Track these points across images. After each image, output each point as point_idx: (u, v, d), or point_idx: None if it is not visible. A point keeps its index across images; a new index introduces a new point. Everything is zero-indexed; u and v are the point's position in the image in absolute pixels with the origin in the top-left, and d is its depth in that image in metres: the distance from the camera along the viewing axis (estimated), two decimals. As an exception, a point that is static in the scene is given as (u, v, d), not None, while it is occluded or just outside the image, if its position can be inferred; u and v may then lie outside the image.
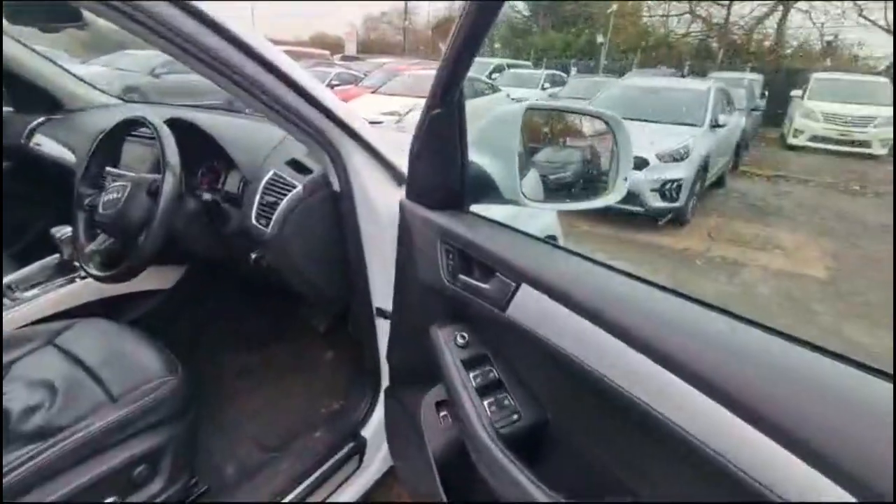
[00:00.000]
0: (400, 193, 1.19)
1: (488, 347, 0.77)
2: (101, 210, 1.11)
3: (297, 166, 1.18)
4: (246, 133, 1.29)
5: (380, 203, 1.13)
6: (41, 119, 1.83)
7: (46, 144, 1.71)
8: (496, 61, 14.06)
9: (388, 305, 1.23)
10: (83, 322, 1.19)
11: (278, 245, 1.10)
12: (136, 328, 1.20)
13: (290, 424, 1.40)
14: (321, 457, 1.26)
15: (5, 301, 1.30)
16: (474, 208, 0.91)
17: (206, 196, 1.12)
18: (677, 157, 4.60)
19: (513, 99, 9.91)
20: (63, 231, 1.36)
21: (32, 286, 1.35)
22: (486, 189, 0.88)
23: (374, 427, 1.31)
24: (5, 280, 1.36)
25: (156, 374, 1.05)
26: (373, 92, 8.77)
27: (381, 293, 1.21)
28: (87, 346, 1.11)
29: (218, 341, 1.69)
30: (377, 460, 1.34)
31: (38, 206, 1.97)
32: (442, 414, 0.94)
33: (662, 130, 4.90)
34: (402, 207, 0.95)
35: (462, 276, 0.77)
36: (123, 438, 0.97)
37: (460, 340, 0.78)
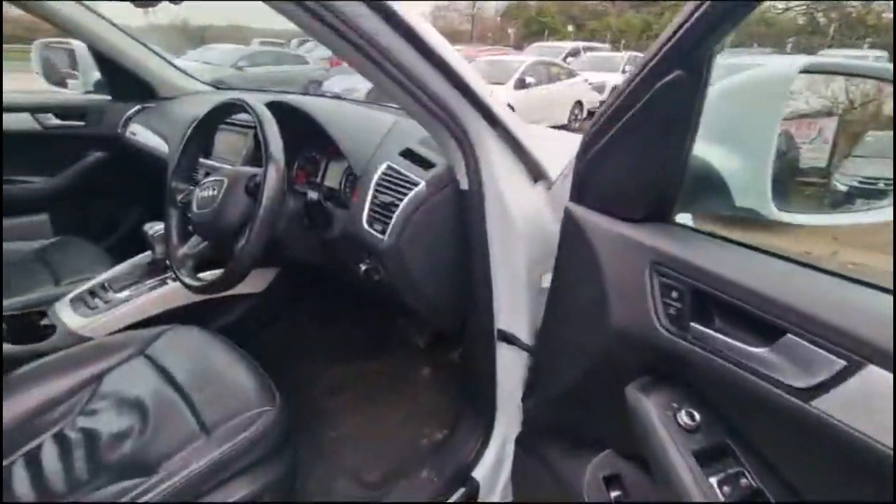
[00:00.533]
0: (535, 192, 0.95)
1: (737, 439, 0.51)
2: (195, 209, 0.96)
3: (415, 158, 0.97)
4: (353, 117, 1.11)
5: (514, 204, 0.91)
6: (136, 108, 1.77)
7: (141, 134, 1.63)
8: (569, 44, 13.35)
9: (513, 328, 1.01)
10: (174, 330, 1.06)
11: (396, 256, 0.90)
12: (228, 339, 1.06)
13: (391, 456, 1.22)
14: (429, 501, 1.07)
15: (99, 302, 1.21)
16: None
17: (311, 195, 0.94)
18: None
19: (590, 84, 9.31)
20: (155, 228, 1.25)
21: (124, 287, 1.25)
22: (705, 192, 0.61)
23: (487, 470, 1.10)
24: (100, 278, 1.29)
25: (252, 403, 0.90)
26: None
27: (506, 313, 0.99)
28: (179, 360, 0.99)
29: (309, 351, 1.55)
30: None
31: (131, 198, 1.93)
32: (615, 494, 0.70)
33: None
34: (569, 215, 0.70)
35: (698, 327, 0.51)
36: (216, 485, 0.82)
37: (686, 420, 0.53)
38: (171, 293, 1.24)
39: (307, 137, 1.21)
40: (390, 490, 1.09)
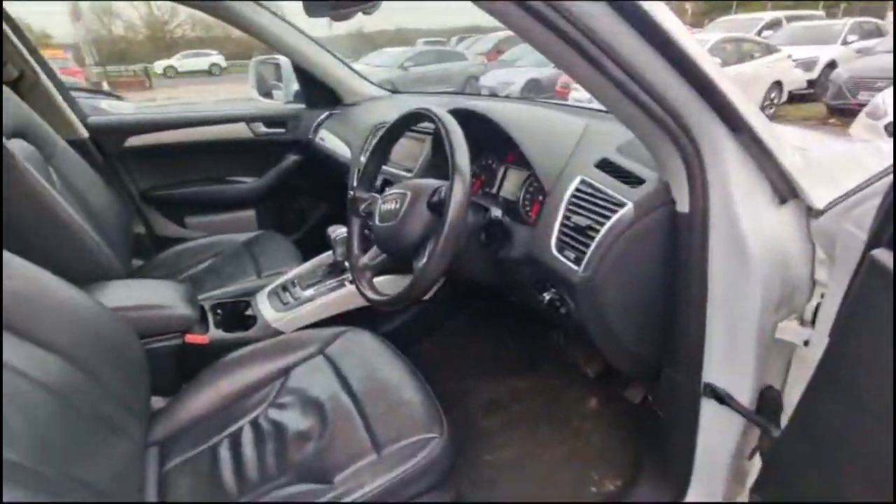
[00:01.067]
0: (781, 217, 0.71)
1: None
2: (377, 221, 0.95)
3: (616, 171, 0.81)
4: (540, 123, 0.99)
5: (751, 233, 0.70)
6: (325, 114, 1.92)
7: (328, 139, 1.76)
8: (768, 15, 11.25)
9: (728, 385, 0.79)
10: (350, 333, 1.10)
11: (591, 292, 0.76)
12: (397, 349, 1.05)
13: (555, 497, 1.10)
14: None
15: (289, 297, 1.32)
16: None
17: (495, 212, 0.85)
18: None
19: (795, 60, 7.71)
20: (338, 232, 1.31)
21: (309, 285, 1.34)
22: None
23: None
24: (291, 274, 1.40)
25: (421, 426, 0.86)
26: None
27: (719, 365, 0.79)
28: (354, 365, 1.01)
29: (466, 363, 1.50)
30: None
31: (317, 198, 2.12)
32: None
33: None
34: (875, 266, 0.48)
35: None
36: None
37: None
38: (348, 296, 1.29)
39: (486, 144, 1.13)
40: None
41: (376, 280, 1.03)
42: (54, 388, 0.75)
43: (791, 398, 0.80)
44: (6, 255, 0.77)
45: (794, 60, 7.68)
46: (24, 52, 1.48)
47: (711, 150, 0.67)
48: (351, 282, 1.33)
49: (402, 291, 0.83)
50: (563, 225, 0.79)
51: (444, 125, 0.84)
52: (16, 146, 1.15)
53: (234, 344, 1.18)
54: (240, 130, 1.88)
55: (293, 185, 2.03)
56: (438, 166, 1.20)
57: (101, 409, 0.82)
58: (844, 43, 8.13)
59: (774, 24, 10.15)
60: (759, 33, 9.34)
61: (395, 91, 2.02)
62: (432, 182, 0.90)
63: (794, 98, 7.80)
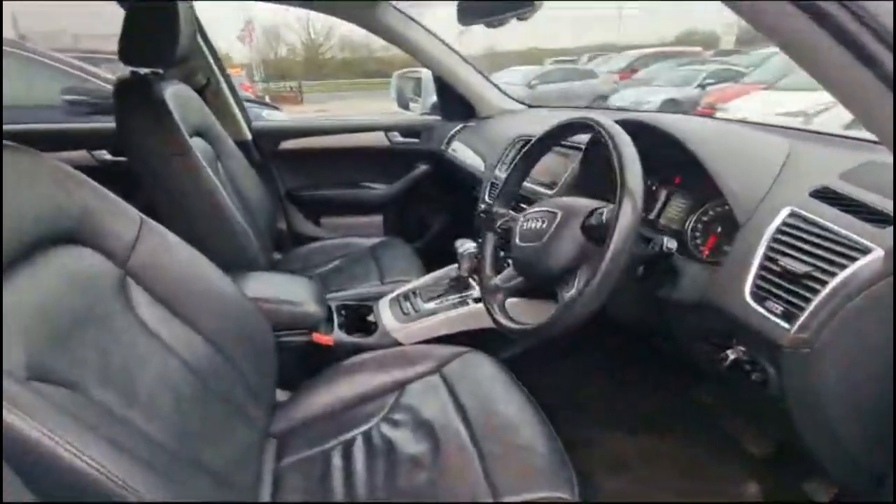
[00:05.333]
0: None
1: None
2: (517, 240, 0.86)
3: (843, 204, 0.62)
4: (728, 138, 0.82)
5: None
6: (459, 126, 1.91)
7: (460, 151, 1.73)
8: None
9: None
10: (470, 355, 1.03)
11: (803, 359, 0.58)
12: (519, 382, 0.95)
13: None
14: None
15: (410, 308, 1.29)
16: None
17: (669, 243, 0.71)
18: None
19: None
20: (466, 247, 1.25)
21: (431, 298, 1.30)
22: None
23: None
24: (413, 284, 1.38)
25: (547, 480, 0.74)
26: (766, 88, 7.03)
27: None
28: (472, 391, 0.93)
29: (589, 407, 1.33)
30: None
31: (441, 207, 2.12)
32: None
33: None
34: None
35: None
36: None
37: None
38: (470, 314, 1.22)
39: (646, 162, 0.99)
40: None
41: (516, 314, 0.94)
42: (197, 368, 0.77)
43: None
44: (172, 236, 0.84)
45: None
46: (213, 64, 1.69)
47: None
48: (476, 300, 1.27)
49: (544, 323, 0.73)
50: (763, 268, 0.63)
51: (611, 137, 0.72)
52: (196, 144, 1.28)
53: (354, 347, 1.18)
54: (377, 139, 1.95)
55: (421, 194, 2.05)
56: (585, 186, 1.08)
57: (233, 394, 0.84)
58: None
59: None
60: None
61: (531, 105, 1.94)
62: (587, 202, 0.79)
63: None
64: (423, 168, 1.99)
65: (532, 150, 0.96)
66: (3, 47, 2.92)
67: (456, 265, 1.42)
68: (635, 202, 0.66)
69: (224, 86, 1.73)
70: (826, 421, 0.62)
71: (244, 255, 1.26)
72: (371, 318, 1.29)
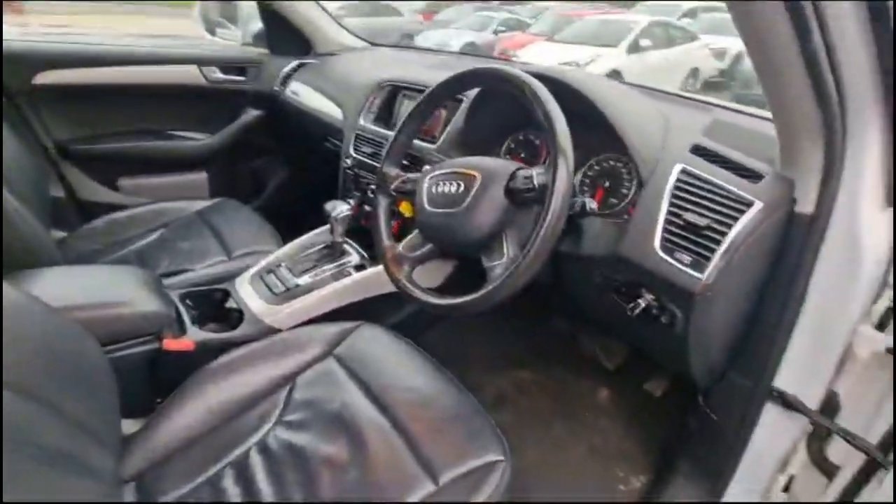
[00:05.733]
0: (882, 221, 0.68)
1: None
2: (426, 206, 0.79)
3: (720, 160, 0.73)
4: (625, 97, 0.87)
5: (866, 235, 0.65)
6: (294, 63, 1.64)
7: (305, 94, 1.49)
8: (686, 4, 11.91)
9: (798, 391, 0.77)
10: (362, 330, 0.93)
11: (708, 301, 0.68)
12: (423, 350, 0.91)
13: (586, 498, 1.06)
14: None
15: (277, 283, 1.11)
16: None
17: (590, 205, 0.73)
18: None
19: (711, 49, 8.25)
20: (339, 210, 1.11)
21: (304, 271, 1.14)
22: None
23: None
24: (274, 256, 1.18)
25: (480, 447, 0.74)
26: (547, 40, 7.95)
27: (794, 370, 0.76)
28: (376, 369, 0.86)
29: (469, 356, 1.39)
30: None
31: (279, 160, 1.84)
32: None
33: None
34: None
35: None
36: None
37: None
38: (353, 285, 1.11)
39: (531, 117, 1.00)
40: None
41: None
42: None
43: (853, 401, 0.79)
44: None
45: (709, 49, 8.23)
46: None
47: (860, 144, 0.61)
48: (357, 268, 1.16)
49: (480, 296, 0.69)
50: (668, 222, 0.70)
51: (537, 95, 0.69)
52: None
53: (220, 345, 0.97)
54: (188, 75, 1.54)
55: (253, 145, 1.73)
56: (469, 140, 1.05)
57: (59, 444, 0.60)
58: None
59: (690, 13, 10.76)
60: (679, 19, 9.84)
61: (374, 43, 1.77)
62: (504, 163, 0.75)
63: (707, 86, 8.40)
64: (254, 113, 1.66)
65: (428, 104, 0.86)
66: None
67: (323, 230, 1.26)
68: (569, 164, 0.65)
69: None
70: (710, 343, 0.75)
71: (24, 247, 0.88)
72: (231, 304, 1.07)
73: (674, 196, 0.71)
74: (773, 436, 0.85)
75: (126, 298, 0.86)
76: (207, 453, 0.75)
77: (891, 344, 0.72)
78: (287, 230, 1.37)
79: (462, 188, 0.74)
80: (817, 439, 0.81)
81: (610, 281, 0.80)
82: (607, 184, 0.88)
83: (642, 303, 0.74)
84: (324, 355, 0.90)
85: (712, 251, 0.65)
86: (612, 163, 0.87)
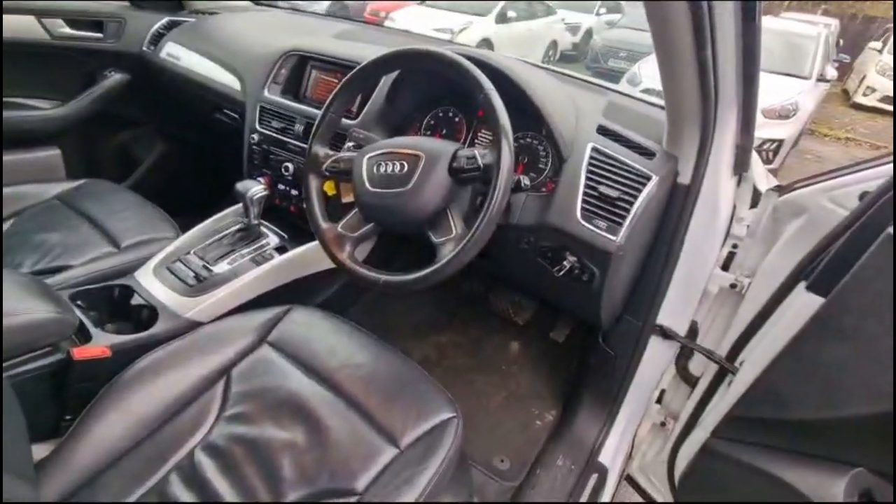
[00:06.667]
0: (730, 186, 0.89)
1: None
2: (367, 186, 0.80)
3: (621, 139, 0.87)
4: (542, 79, 0.95)
5: (723, 201, 0.85)
6: (164, 21, 1.43)
7: (185, 58, 1.32)
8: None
9: (674, 325, 0.99)
10: (291, 314, 0.93)
11: (620, 260, 0.81)
12: (359, 325, 0.94)
13: (513, 441, 1.20)
14: (569, 489, 1.07)
15: (184, 270, 1.02)
16: None
17: (525, 181, 0.80)
18: (784, 115, 4.16)
19: (566, 24, 8.99)
20: (255, 191, 1.05)
21: (220, 257, 1.06)
22: None
23: (610, 455, 1.12)
24: (180, 242, 1.08)
25: (433, 408, 0.81)
26: (420, 3, 7.87)
27: (670, 308, 0.97)
28: (315, 349, 0.87)
29: (391, 326, 1.44)
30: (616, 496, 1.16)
31: (153, 132, 1.61)
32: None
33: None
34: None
35: None
36: None
37: None
38: (277, 269, 1.07)
39: (449, 94, 1.04)
40: (532, 480, 1.08)
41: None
42: None
43: (707, 327, 1.03)
44: None
45: (564, 24, 8.95)
46: None
47: (723, 126, 0.77)
48: (277, 249, 1.11)
49: (433, 270, 0.74)
50: (586, 194, 0.81)
51: (480, 83, 0.73)
52: None
53: (135, 349, 0.87)
54: (26, 28, 1.25)
55: (117, 115, 1.49)
56: (389, 118, 1.05)
57: None
58: (598, 14, 9.80)
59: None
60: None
61: (256, 2, 1.62)
62: (443, 143, 0.79)
63: (563, 58, 9.17)
64: (117, 77, 1.42)
65: (359, 81, 0.85)
66: None
67: (229, 212, 1.18)
68: (511, 146, 0.71)
69: None
70: (616, 295, 0.91)
71: None
72: (137, 300, 0.96)
73: (589, 171, 0.83)
74: (653, 361, 1.06)
75: (14, 307, 0.73)
76: (143, 464, 0.70)
77: (733, 280, 0.94)
78: (177, 212, 1.24)
79: (406, 168, 0.77)
80: (682, 358, 1.04)
81: (536, 246, 0.90)
82: (526, 159, 0.97)
83: (567, 265, 0.86)
84: (257, 343, 0.87)
85: (623, 217, 0.79)
86: (529, 140, 0.96)
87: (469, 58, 0.78)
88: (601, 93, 1.05)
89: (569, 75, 1.10)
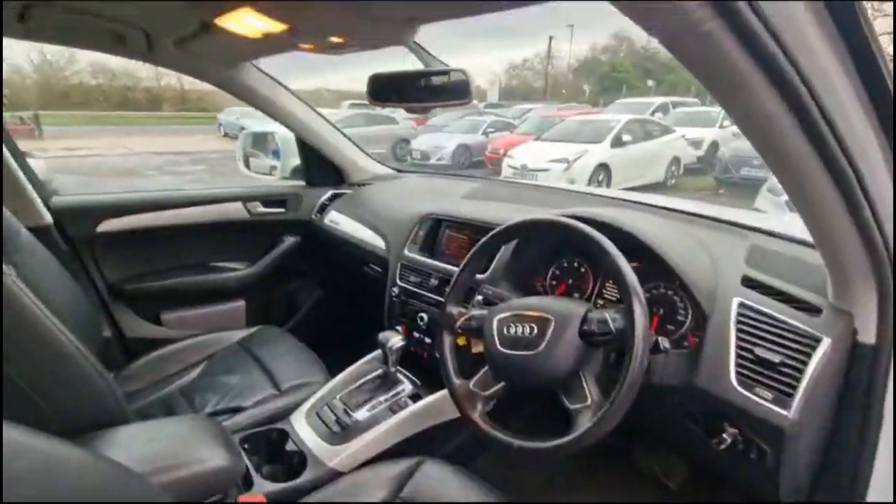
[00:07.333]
0: None
1: None
2: (498, 347, 0.82)
3: (773, 293, 0.78)
4: (664, 228, 0.94)
5: None
6: (329, 193, 1.76)
7: (345, 224, 1.59)
8: (656, 100, 13.08)
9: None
10: (424, 468, 0.92)
11: (796, 438, 0.69)
12: (477, 480, 0.89)
13: None
14: None
15: (329, 416, 1.10)
16: None
17: (664, 343, 0.77)
18: None
19: (687, 139, 8.93)
20: (394, 341, 1.14)
21: (359, 405, 1.14)
22: None
23: None
24: (328, 388, 1.19)
25: None
26: (535, 139, 8.59)
27: (886, 482, 0.75)
28: None
29: (526, 479, 1.34)
30: None
31: (314, 283, 1.90)
32: None
33: None
34: None
35: None
36: None
37: None
38: (411, 417, 1.11)
39: (572, 248, 1.07)
40: None
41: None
42: None
43: None
44: None
45: (686, 139, 8.90)
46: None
47: None
48: (411, 397, 1.16)
49: (569, 441, 0.70)
50: (740, 356, 0.73)
51: (605, 249, 0.75)
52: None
53: (287, 497, 0.94)
54: (232, 211, 1.65)
55: (289, 270, 1.80)
56: (516, 273, 1.11)
57: None
58: (721, 126, 9.61)
59: (664, 108, 11.80)
60: (652, 115, 10.76)
61: (399, 171, 1.92)
62: (573, 305, 0.80)
63: (688, 171, 8.96)
64: (291, 240, 1.76)
65: (489, 246, 0.93)
66: None
67: (370, 358, 1.29)
68: (644, 309, 0.70)
69: (9, 157, 1.22)
70: (798, 473, 0.75)
71: (97, 402, 0.89)
72: (291, 446, 1.06)
73: (739, 330, 0.75)
74: None
75: (199, 456, 0.85)
76: None
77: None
78: (327, 354, 1.40)
79: (535, 331, 0.78)
80: None
81: (684, 408, 0.81)
82: (661, 311, 0.92)
83: (728, 437, 0.75)
84: (391, 498, 0.88)
85: (794, 388, 0.68)
86: (662, 290, 0.92)
87: (588, 220, 0.82)
88: (739, 234, 0.98)
89: (698, 215, 1.06)
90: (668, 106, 12.06)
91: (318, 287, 1.88)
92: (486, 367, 0.88)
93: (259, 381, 1.27)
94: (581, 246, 0.80)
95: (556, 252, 1.11)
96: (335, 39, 0.84)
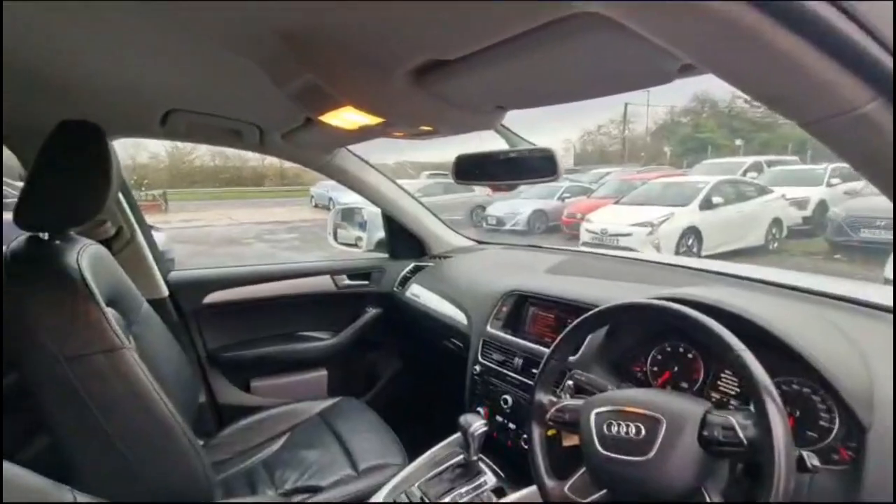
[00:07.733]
0: None
1: None
2: (598, 447, 0.72)
3: None
4: (790, 311, 0.81)
5: None
6: (411, 266, 1.79)
7: (425, 297, 1.59)
8: (746, 159, 12.35)
9: None
10: None
11: None
12: None
13: None
14: None
15: None
16: None
17: (811, 461, 0.64)
18: None
19: (788, 199, 8.20)
20: (476, 426, 1.07)
21: (439, 494, 1.06)
22: None
23: None
24: (405, 474, 1.13)
25: None
26: (615, 202, 8.37)
27: None
28: None
29: None
30: None
31: (392, 353, 1.90)
32: None
33: None
34: None
35: None
36: None
37: None
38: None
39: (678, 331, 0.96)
40: None
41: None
42: None
43: None
44: None
45: (786, 199, 8.18)
46: (127, 209, 1.37)
47: None
48: (495, 491, 1.06)
49: None
50: None
51: (724, 340, 0.66)
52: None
53: None
54: (321, 283, 1.73)
55: (369, 341, 1.82)
56: (609, 357, 1.01)
57: None
58: (829, 185, 8.75)
59: (757, 168, 11.06)
60: (743, 174, 10.11)
61: (480, 242, 1.93)
62: (688, 404, 0.70)
63: (792, 234, 8.15)
64: (373, 312, 1.79)
65: (579, 329, 0.87)
66: None
67: (450, 441, 1.22)
68: (782, 412, 0.58)
69: (140, 235, 1.40)
70: None
71: (187, 476, 0.91)
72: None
73: None
74: None
75: None
76: None
77: None
78: (404, 430, 1.35)
79: (643, 433, 0.69)
80: None
81: None
82: (797, 413, 0.78)
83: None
84: None
85: None
86: (796, 387, 0.78)
87: (695, 303, 0.72)
88: (884, 320, 0.82)
89: (828, 294, 0.91)
90: (761, 165, 11.27)
91: (398, 359, 1.88)
92: (583, 469, 0.78)
93: (338, 458, 1.25)
94: (689, 333, 0.70)
95: (657, 334, 1.00)
96: (425, 128, 0.88)
